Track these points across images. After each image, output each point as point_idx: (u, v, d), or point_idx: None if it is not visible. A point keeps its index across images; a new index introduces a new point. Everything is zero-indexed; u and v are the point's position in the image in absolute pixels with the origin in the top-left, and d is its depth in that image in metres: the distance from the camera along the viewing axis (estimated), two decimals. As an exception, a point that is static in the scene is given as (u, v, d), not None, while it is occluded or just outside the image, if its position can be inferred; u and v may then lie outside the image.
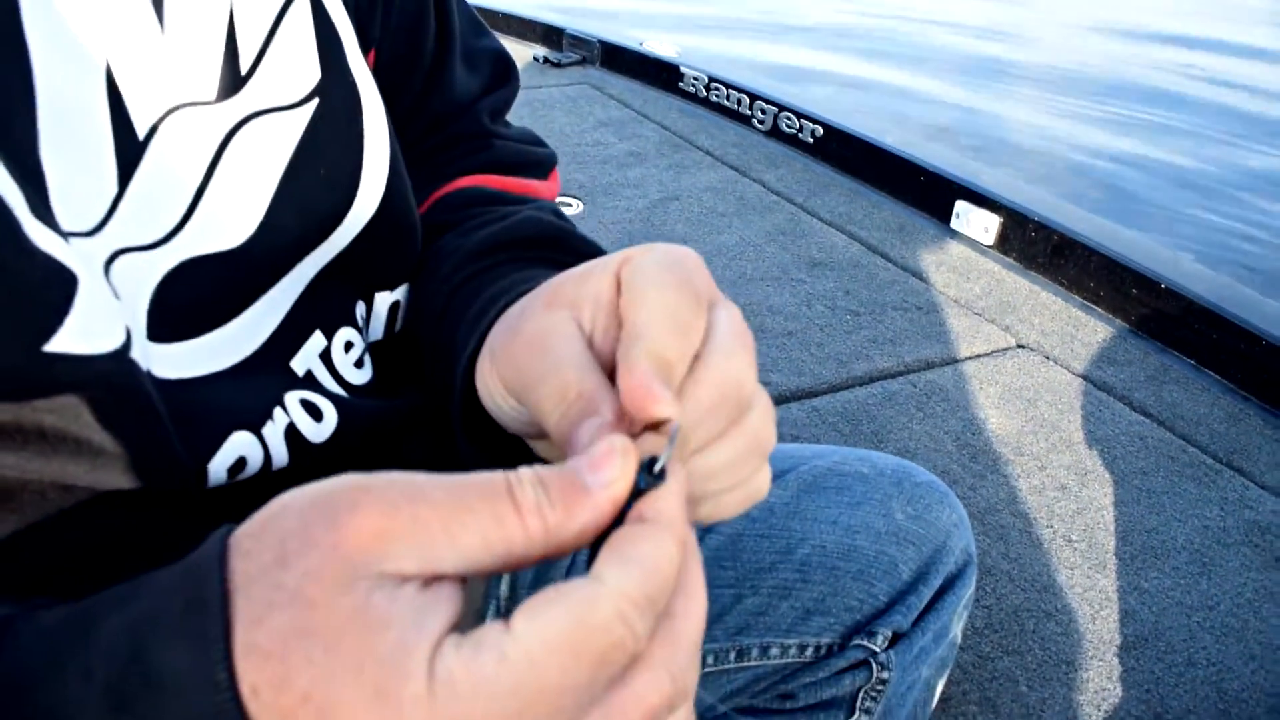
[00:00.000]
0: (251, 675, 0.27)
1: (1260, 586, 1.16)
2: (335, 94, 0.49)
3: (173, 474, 0.42)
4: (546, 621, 0.27)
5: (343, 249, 0.51)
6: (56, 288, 0.36)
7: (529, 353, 0.37)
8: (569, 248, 0.54)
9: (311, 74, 0.48)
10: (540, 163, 0.69)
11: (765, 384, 1.40)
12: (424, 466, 0.49)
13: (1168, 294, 1.63)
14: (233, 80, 0.45)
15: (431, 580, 0.28)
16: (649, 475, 0.31)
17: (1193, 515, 1.27)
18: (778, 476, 0.76)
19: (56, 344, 0.36)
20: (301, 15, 0.48)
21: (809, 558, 0.72)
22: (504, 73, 0.69)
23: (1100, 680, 1.02)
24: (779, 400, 1.45)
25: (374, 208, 0.51)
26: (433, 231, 0.60)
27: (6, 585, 0.40)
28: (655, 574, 0.29)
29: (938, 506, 0.76)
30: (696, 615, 0.30)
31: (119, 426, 0.39)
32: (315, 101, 0.49)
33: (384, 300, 0.55)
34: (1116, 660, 1.04)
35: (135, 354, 0.40)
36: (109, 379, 0.39)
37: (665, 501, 0.30)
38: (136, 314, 0.42)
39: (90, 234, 0.40)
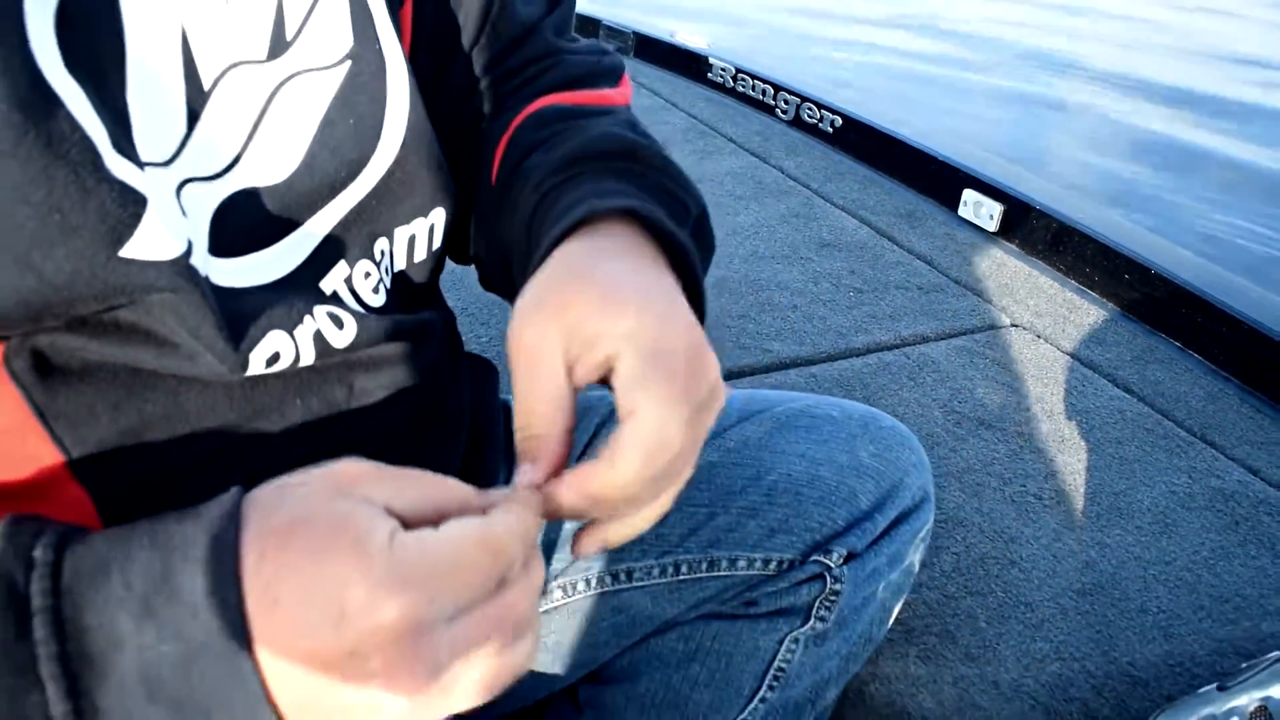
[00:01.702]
0: (255, 569, 0.39)
1: (1218, 546, 1.25)
2: (364, 58, 0.60)
3: (221, 361, 0.50)
4: (463, 524, 0.42)
5: (367, 192, 0.62)
6: (129, 206, 0.45)
7: (522, 365, 0.51)
8: (639, 158, 0.63)
9: (345, 41, 0.59)
10: (609, 71, 0.76)
11: (766, 352, 1.51)
12: (427, 371, 0.63)
13: (1157, 279, 1.71)
14: (280, 44, 0.55)
15: (387, 510, 0.41)
16: None
17: (1160, 481, 1.36)
18: (754, 415, 0.86)
19: (128, 250, 0.45)
20: None
21: (776, 484, 0.81)
22: None
23: (1055, 620, 1.11)
24: (779, 367, 1.55)
25: (394, 154, 0.62)
26: (519, 150, 0.68)
27: (84, 446, 0.50)
28: (525, 524, 0.45)
29: (898, 448, 0.85)
30: (539, 569, 0.45)
31: (179, 320, 0.48)
32: (348, 64, 0.59)
33: (403, 234, 0.65)
34: (1072, 604, 1.13)
35: (195, 262, 0.49)
36: (172, 280, 0.47)
37: (532, 499, 0.47)
38: (200, 231, 0.52)
39: (164, 165, 0.50)
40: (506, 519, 0.43)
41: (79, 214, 0.43)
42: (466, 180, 0.73)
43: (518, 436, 0.51)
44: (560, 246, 0.55)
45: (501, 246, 0.69)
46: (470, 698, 0.41)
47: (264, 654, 0.38)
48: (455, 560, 0.40)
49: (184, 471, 0.53)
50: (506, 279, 0.70)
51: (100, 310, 0.47)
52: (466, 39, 0.71)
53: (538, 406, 0.50)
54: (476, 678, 0.41)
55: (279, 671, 0.38)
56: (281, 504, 0.41)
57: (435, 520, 0.42)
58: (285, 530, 0.40)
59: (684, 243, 0.57)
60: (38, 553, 0.39)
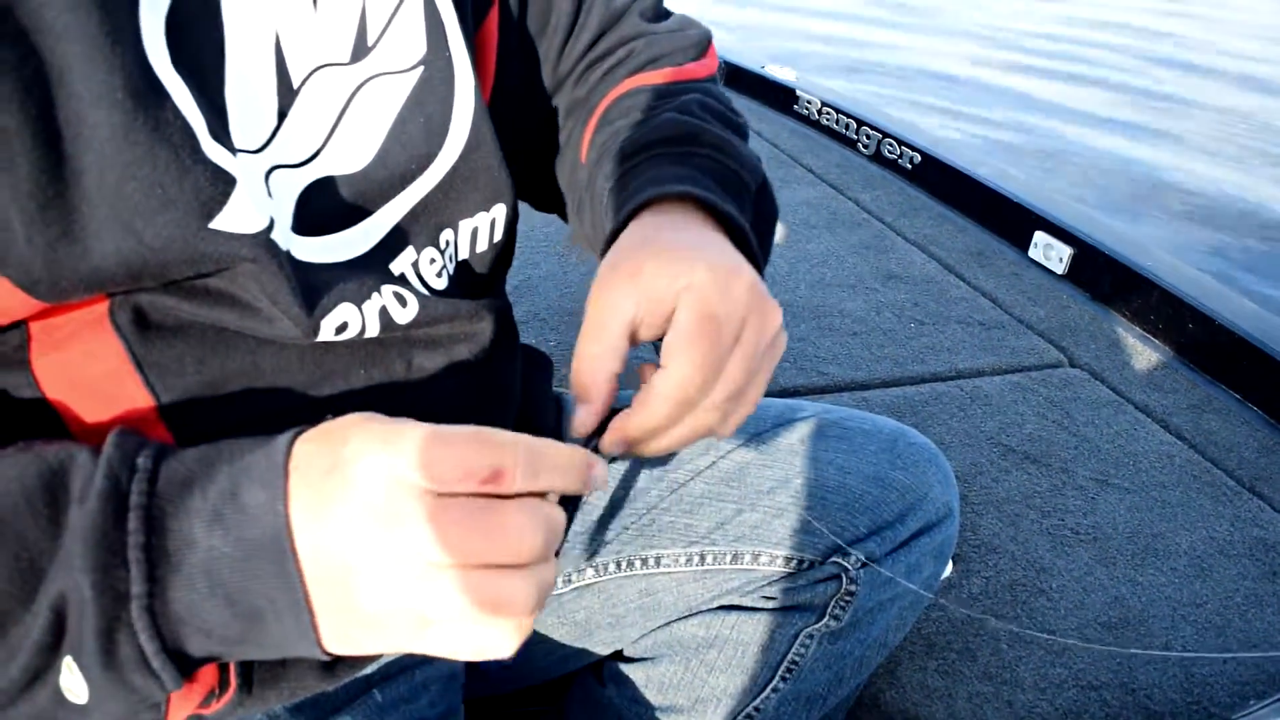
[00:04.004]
0: (299, 493, 0.46)
1: (1251, 594, 1.26)
2: (436, 64, 0.66)
3: (295, 325, 0.56)
4: (468, 427, 0.48)
5: (434, 185, 0.68)
6: (220, 185, 0.51)
7: (592, 318, 0.60)
8: (701, 140, 0.71)
9: (420, 48, 0.66)
10: (694, 44, 0.82)
11: (822, 374, 1.56)
12: (481, 354, 0.70)
13: (1220, 329, 1.72)
14: (362, 49, 0.63)
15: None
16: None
17: (1201, 526, 1.37)
18: (790, 422, 0.91)
19: (217, 223, 0.52)
20: (415, 3, 0.66)
21: (804, 487, 0.85)
22: None
23: (1077, 650, 1.14)
24: (833, 389, 1.60)
25: (459, 153, 0.68)
26: (605, 134, 0.76)
27: (172, 393, 0.57)
28: (546, 455, 0.48)
29: (925, 464, 0.89)
30: (559, 517, 0.48)
31: (260, 287, 0.55)
32: (421, 69, 0.66)
33: (466, 226, 0.71)
34: (1097, 636, 1.16)
35: (278, 238, 0.56)
36: (254, 251, 0.53)
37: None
38: (286, 211, 0.59)
39: (256, 152, 0.57)
40: (515, 437, 0.47)
41: (176, 189, 0.49)
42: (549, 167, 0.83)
43: (573, 379, 0.60)
44: (628, 225, 0.65)
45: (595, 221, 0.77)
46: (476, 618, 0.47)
47: (304, 551, 0.46)
48: (457, 437, 0.46)
49: (256, 424, 0.60)
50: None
51: (191, 276, 0.54)
52: (559, 37, 0.79)
53: (593, 349, 0.59)
54: (481, 598, 0.46)
55: (317, 565, 0.46)
56: (327, 446, 0.47)
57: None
58: (325, 466, 0.47)
59: (734, 216, 0.66)
60: (140, 460, 0.47)
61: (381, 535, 0.45)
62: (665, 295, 0.58)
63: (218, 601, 0.46)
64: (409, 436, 0.46)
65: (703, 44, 0.83)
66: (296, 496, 0.46)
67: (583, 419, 0.59)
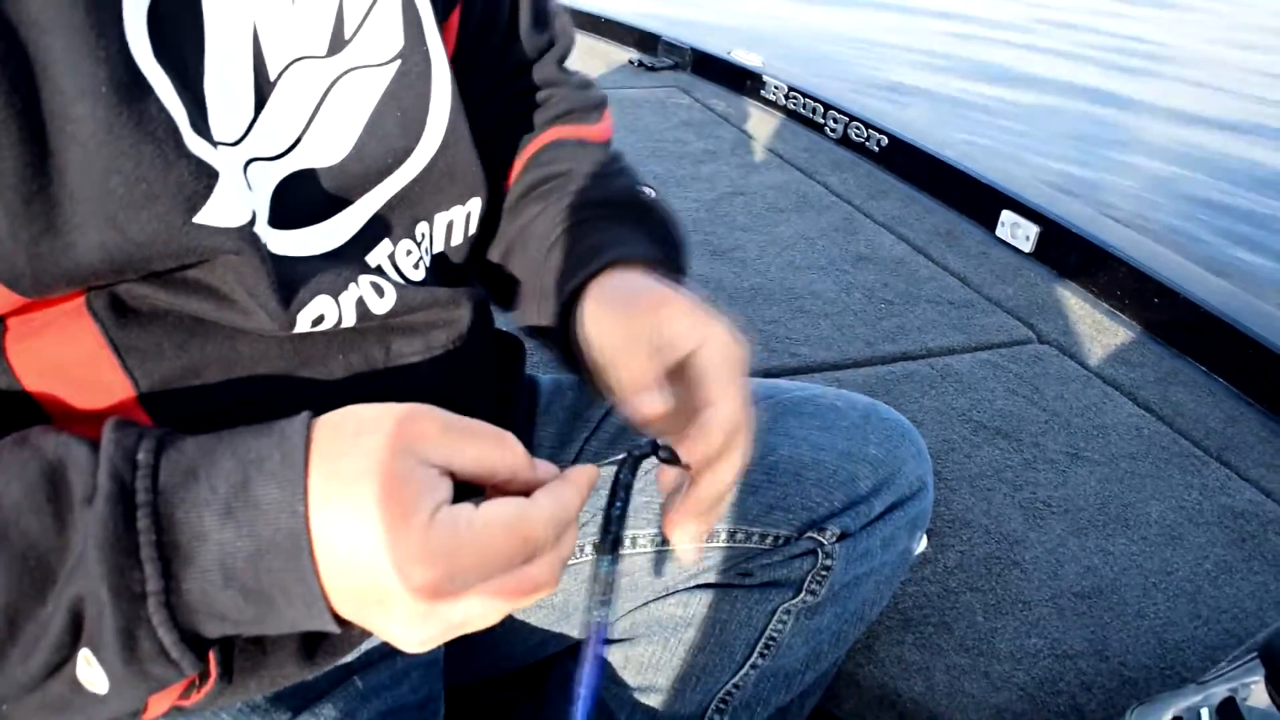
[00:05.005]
0: (320, 498, 0.47)
1: (1221, 560, 1.28)
2: (412, 59, 0.66)
3: (271, 319, 0.56)
4: (501, 509, 0.49)
5: (411, 179, 0.69)
6: (203, 179, 0.51)
7: (626, 349, 0.62)
8: (649, 217, 0.77)
9: (397, 42, 0.66)
10: (594, 107, 0.87)
11: (794, 355, 1.57)
12: (458, 340, 0.71)
13: (1185, 304, 1.74)
14: (339, 42, 0.62)
15: (444, 471, 0.49)
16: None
17: (1171, 496, 1.39)
18: (762, 400, 0.91)
19: (201, 217, 0.51)
20: None
21: (777, 464, 0.86)
22: (565, 27, 0.87)
23: (1051, 620, 1.15)
24: (805, 370, 1.60)
25: (436, 146, 0.69)
26: (538, 174, 0.80)
27: (150, 379, 0.56)
28: (567, 509, 0.51)
29: (898, 439, 0.89)
30: (570, 543, 0.52)
31: (239, 279, 0.55)
32: (398, 63, 0.66)
33: (442, 219, 0.72)
34: (1070, 605, 1.17)
35: (258, 231, 0.56)
36: (236, 245, 0.53)
37: (583, 475, 0.53)
38: (262, 204, 0.58)
39: (234, 144, 0.56)
40: (545, 506, 0.50)
41: (160, 184, 0.49)
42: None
43: (624, 393, 0.62)
44: (607, 274, 0.69)
45: (503, 243, 0.81)
46: (476, 627, 0.50)
47: (321, 560, 0.46)
48: (484, 546, 0.47)
49: (237, 411, 0.60)
50: (492, 270, 0.82)
51: (173, 268, 0.54)
52: (495, 43, 0.79)
53: (637, 368, 0.62)
54: (485, 619, 0.49)
55: (331, 576, 0.46)
56: (353, 450, 0.47)
57: (487, 482, 0.51)
58: (350, 478, 0.46)
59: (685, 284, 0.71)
60: (140, 455, 0.46)
61: (405, 546, 0.46)
62: (679, 341, 0.61)
63: (232, 592, 0.46)
64: (442, 543, 0.47)
65: (601, 107, 0.88)
66: (316, 497, 0.46)
67: (652, 405, 0.60)
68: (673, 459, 0.60)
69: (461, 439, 0.49)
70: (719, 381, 0.60)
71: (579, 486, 0.53)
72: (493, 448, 0.50)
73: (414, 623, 0.47)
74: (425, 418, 0.48)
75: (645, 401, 0.60)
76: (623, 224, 0.75)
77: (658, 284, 0.66)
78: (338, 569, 0.46)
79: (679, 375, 0.61)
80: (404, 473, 0.46)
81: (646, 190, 0.80)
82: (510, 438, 0.51)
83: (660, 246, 0.74)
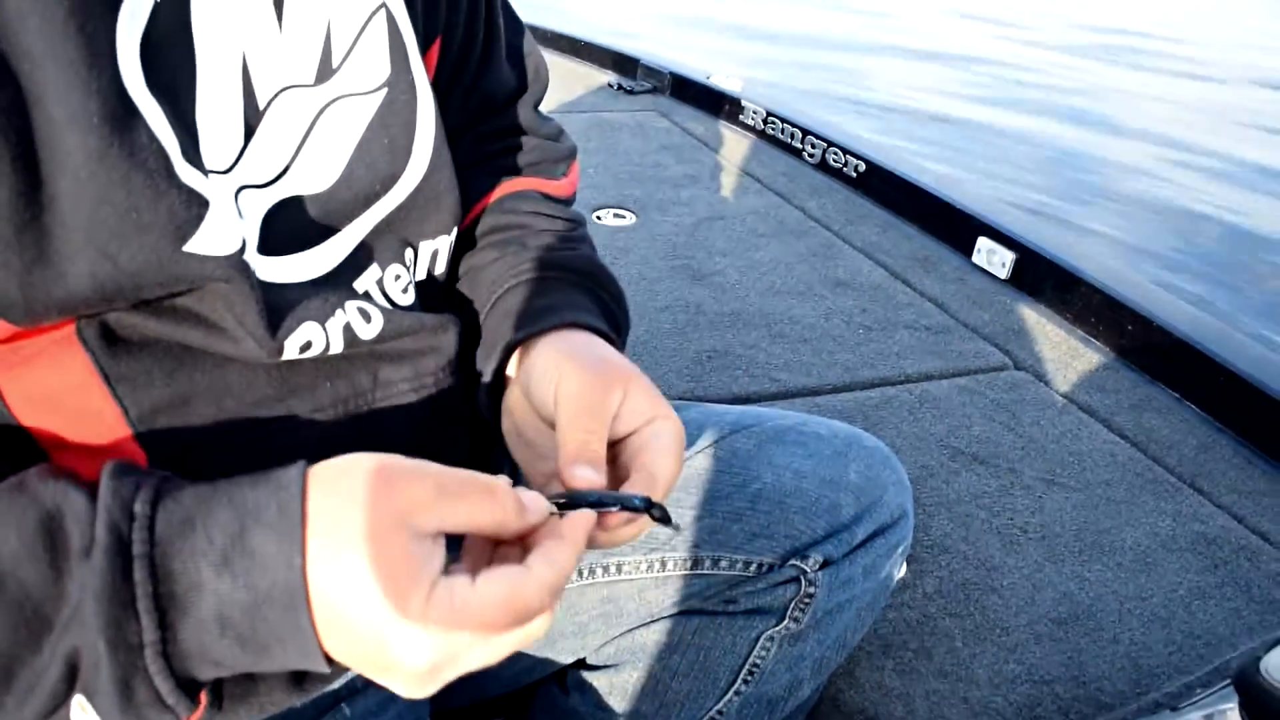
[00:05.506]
0: (318, 558, 0.47)
1: (1195, 586, 1.30)
2: (399, 87, 0.67)
3: (260, 346, 0.57)
4: (497, 586, 0.49)
5: (397, 205, 0.69)
6: (194, 207, 0.52)
7: (589, 413, 0.62)
8: (600, 282, 0.77)
9: (383, 70, 0.67)
10: (563, 159, 0.87)
11: (774, 381, 1.58)
12: (444, 365, 0.71)
13: (1158, 331, 1.77)
14: (327, 70, 0.63)
15: (438, 536, 0.50)
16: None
17: (1145, 522, 1.41)
18: (745, 428, 0.92)
19: (191, 246, 0.52)
20: (379, 26, 0.66)
21: (760, 492, 0.86)
22: (539, 71, 0.87)
23: (1029, 645, 1.16)
24: (785, 395, 1.62)
25: (422, 173, 0.69)
26: (499, 220, 0.80)
27: (140, 407, 0.56)
28: (562, 573, 0.51)
29: (880, 467, 0.90)
30: (561, 592, 0.52)
31: (228, 307, 0.55)
32: (384, 91, 0.67)
33: (427, 247, 0.72)
34: (1047, 631, 1.19)
35: (247, 259, 0.56)
36: (226, 273, 0.53)
37: (578, 530, 0.54)
38: (252, 232, 0.59)
39: (225, 172, 0.57)
40: (540, 574, 0.50)
41: (151, 213, 0.49)
42: None
43: (578, 449, 0.61)
44: (566, 332, 0.69)
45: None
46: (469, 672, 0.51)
47: (318, 614, 0.47)
48: (481, 622, 0.48)
49: (227, 438, 0.60)
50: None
51: (163, 296, 0.54)
52: (466, 80, 0.80)
53: (594, 436, 0.61)
54: (479, 668, 0.51)
55: (328, 632, 0.47)
56: (349, 519, 0.48)
57: (478, 536, 0.53)
58: (346, 544, 0.47)
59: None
60: (137, 506, 0.47)
61: (403, 627, 0.47)
62: (641, 413, 0.63)
63: (229, 641, 0.47)
64: (440, 622, 0.47)
65: (569, 159, 0.89)
66: (314, 551, 0.47)
67: (586, 479, 0.60)
68: (665, 519, 0.60)
69: (454, 502, 0.50)
70: (671, 453, 0.62)
71: (575, 543, 0.53)
72: (483, 505, 0.51)
73: (411, 686, 0.49)
74: (418, 483, 0.49)
75: (582, 474, 0.59)
76: (579, 291, 0.75)
77: (620, 356, 0.68)
78: (335, 628, 0.47)
79: (610, 451, 0.63)
80: (399, 550, 0.47)
81: (600, 264, 0.81)
82: (501, 488, 0.51)
83: (608, 321, 0.75)
